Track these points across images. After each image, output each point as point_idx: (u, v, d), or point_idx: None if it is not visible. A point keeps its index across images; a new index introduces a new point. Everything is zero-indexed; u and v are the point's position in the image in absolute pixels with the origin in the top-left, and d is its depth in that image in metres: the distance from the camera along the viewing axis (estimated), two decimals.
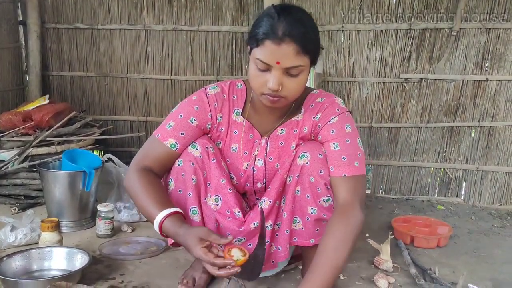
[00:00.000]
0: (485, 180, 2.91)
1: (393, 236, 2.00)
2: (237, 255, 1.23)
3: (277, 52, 1.29)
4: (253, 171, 1.57)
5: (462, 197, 2.96)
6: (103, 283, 1.64)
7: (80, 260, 1.65)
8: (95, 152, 2.78)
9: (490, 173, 2.90)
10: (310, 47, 1.33)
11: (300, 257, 1.70)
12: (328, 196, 1.45)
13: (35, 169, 2.42)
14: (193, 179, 1.48)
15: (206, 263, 1.24)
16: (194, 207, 1.51)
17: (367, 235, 2.11)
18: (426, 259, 1.99)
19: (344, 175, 1.40)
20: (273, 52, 1.29)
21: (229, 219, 1.51)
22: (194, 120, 1.49)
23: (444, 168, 2.98)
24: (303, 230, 1.52)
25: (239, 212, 1.51)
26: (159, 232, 1.36)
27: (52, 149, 2.59)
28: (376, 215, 2.59)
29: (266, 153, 1.55)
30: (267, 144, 1.55)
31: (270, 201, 1.50)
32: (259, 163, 1.56)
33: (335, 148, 1.43)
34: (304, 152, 1.46)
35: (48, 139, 2.61)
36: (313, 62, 1.39)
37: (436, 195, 3.01)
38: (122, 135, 3.20)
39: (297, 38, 1.29)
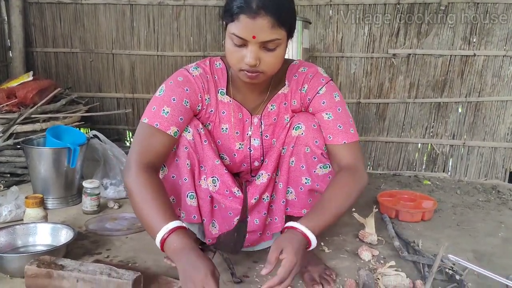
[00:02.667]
0: (471, 155, 2.94)
1: (377, 210, 2.02)
2: None
3: (253, 26, 1.25)
4: (250, 151, 1.56)
5: (449, 172, 3.00)
6: (89, 258, 1.64)
7: (65, 236, 1.65)
8: (81, 130, 2.76)
9: (476, 148, 2.93)
10: (286, 19, 1.30)
11: None
12: (325, 164, 1.47)
13: (20, 147, 2.39)
14: (187, 164, 1.46)
15: None
16: (191, 192, 1.49)
17: (353, 209, 2.13)
18: (410, 233, 2.01)
19: (344, 142, 1.43)
20: (248, 26, 1.26)
21: (230, 199, 1.51)
22: (187, 102, 1.42)
23: (431, 144, 3.01)
24: (295, 201, 1.54)
25: (238, 190, 1.51)
26: (160, 246, 1.22)
27: (37, 126, 2.56)
28: None
29: (261, 132, 1.54)
30: (261, 122, 1.54)
31: (268, 174, 1.51)
32: (256, 142, 1.55)
33: (328, 118, 1.45)
34: (298, 123, 1.47)
35: (33, 116, 2.58)
36: (290, 35, 1.36)
37: (423, 170, 3.04)
38: (108, 112, 3.17)
39: (272, 11, 1.25)
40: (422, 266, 1.60)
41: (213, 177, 1.49)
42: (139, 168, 1.32)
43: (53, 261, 1.32)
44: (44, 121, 2.60)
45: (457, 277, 1.50)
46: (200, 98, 1.46)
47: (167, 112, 1.38)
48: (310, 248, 1.26)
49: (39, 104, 2.61)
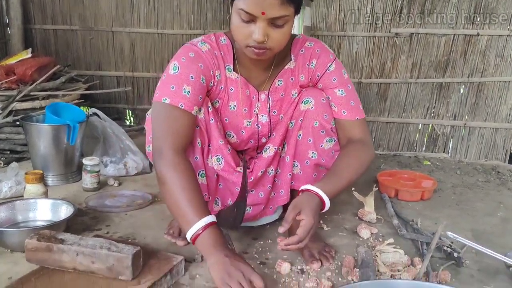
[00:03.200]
0: (472, 136, 2.93)
1: (377, 189, 2.02)
2: None
3: (262, 2, 1.23)
4: (258, 128, 1.56)
5: (449, 153, 2.99)
6: (88, 234, 1.65)
7: (65, 211, 1.65)
8: (81, 108, 2.74)
9: (477, 129, 2.92)
10: None
11: (287, 208, 1.72)
12: (332, 137, 1.50)
13: (19, 124, 2.39)
14: (198, 143, 1.45)
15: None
16: (202, 170, 1.49)
17: (353, 188, 2.13)
18: (409, 212, 2.02)
19: (357, 118, 1.49)
20: (257, 2, 1.23)
21: (236, 174, 1.51)
22: (204, 79, 1.40)
23: (432, 124, 2.99)
24: (300, 175, 1.56)
25: (241, 168, 1.52)
26: (190, 238, 1.25)
27: (36, 103, 2.54)
28: None
29: (269, 108, 1.54)
30: (269, 98, 1.53)
31: (275, 148, 1.53)
32: (263, 119, 1.55)
33: (341, 94, 1.48)
34: (308, 98, 1.48)
35: (32, 93, 2.56)
36: (297, 11, 1.35)
37: (423, 151, 3.03)
38: (108, 90, 3.15)
39: None
40: (420, 244, 1.61)
41: (217, 155, 1.49)
42: (174, 155, 1.31)
43: (53, 235, 1.32)
44: (43, 98, 2.59)
45: (455, 254, 1.51)
46: (212, 74, 1.43)
47: (188, 91, 1.36)
48: (323, 211, 1.33)
49: (38, 82, 2.59)
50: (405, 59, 2.91)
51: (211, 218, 1.26)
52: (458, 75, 2.87)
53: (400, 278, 1.37)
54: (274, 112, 1.54)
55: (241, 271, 1.18)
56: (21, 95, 2.50)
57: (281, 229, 1.23)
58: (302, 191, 1.33)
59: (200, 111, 1.42)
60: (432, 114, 2.97)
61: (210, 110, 1.46)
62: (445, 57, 2.86)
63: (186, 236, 1.26)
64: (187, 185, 1.28)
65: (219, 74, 1.46)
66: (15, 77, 2.59)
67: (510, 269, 1.33)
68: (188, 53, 1.40)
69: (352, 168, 1.41)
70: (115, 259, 1.22)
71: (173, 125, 1.34)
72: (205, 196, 1.49)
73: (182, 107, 1.34)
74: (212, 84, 1.45)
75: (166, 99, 1.34)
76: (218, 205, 1.55)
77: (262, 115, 1.54)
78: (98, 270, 1.24)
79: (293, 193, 1.59)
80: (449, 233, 1.41)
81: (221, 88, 1.49)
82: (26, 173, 1.79)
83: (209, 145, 1.49)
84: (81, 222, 1.76)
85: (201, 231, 1.23)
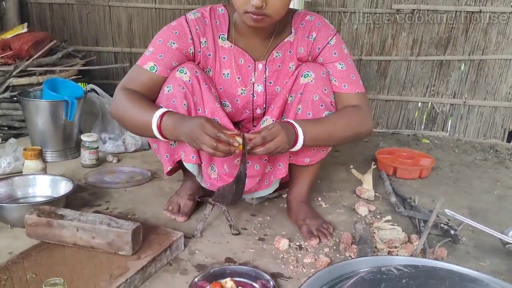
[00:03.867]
0: (471, 114, 2.93)
1: (375, 167, 2.03)
2: (239, 141, 1.26)
3: None
4: (253, 97, 1.56)
5: (448, 131, 2.99)
6: (88, 210, 1.66)
7: (64, 187, 1.65)
8: (79, 84, 2.72)
9: (477, 108, 2.91)
10: None
11: (286, 185, 1.73)
12: (331, 111, 1.49)
13: (16, 100, 2.37)
14: (184, 104, 1.45)
15: (209, 137, 1.23)
16: None
17: (351, 166, 2.14)
18: (408, 189, 2.03)
19: (357, 91, 1.50)
20: None
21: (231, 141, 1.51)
22: (174, 43, 1.45)
23: (431, 103, 2.98)
24: (299, 149, 1.54)
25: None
26: (158, 132, 1.34)
27: (33, 79, 2.52)
28: (361, 148, 2.61)
29: (265, 78, 1.54)
30: (265, 68, 1.53)
31: (273, 120, 1.52)
32: (259, 88, 1.55)
33: (342, 68, 1.49)
34: (308, 71, 1.47)
35: (29, 69, 2.53)
36: None
37: (422, 129, 3.03)
38: (106, 66, 3.12)
39: None
40: (417, 221, 1.63)
41: (214, 119, 1.48)
42: (120, 92, 1.43)
43: (53, 211, 1.33)
44: (40, 74, 2.56)
45: (452, 232, 1.52)
46: (191, 41, 1.47)
47: (150, 51, 1.46)
48: (294, 149, 1.37)
49: (35, 57, 2.56)
50: (405, 36, 2.88)
51: (164, 109, 1.36)
52: (459, 53, 2.84)
53: (397, 255, 1.38)
54: (270, 82, 1.55)
55: (203, 131, 1.24)
56: (18, 70, 2.48)
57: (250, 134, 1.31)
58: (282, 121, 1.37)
59: (183, 73, 1.44)
60: (432, 92, 2.96)
61: (202, 76, 1.47)
62: (446, 34, 2.83)
63: (155, 133, 1.35)
64: (134, 102, 1.39)
65: (205, 41, 1.49)
66: (11, 52, 2.55)
67: (506, 246, 1.35)
68: (172, 22, 1.51)
69: (337, 125, 1.43)
70: (115, 235, 1.23)
71: (127, 77, 1.48)
72: (194, 159, 1.51)
73: (138, 63, 1.47)
74: (192, 50, 1.49)
75: (138, 62, 1.49)
76: (214, 171, 1.54)
77: (257, 85, 1.55)
78: (98, 245, 1.25)
79: (291, 167, 1.60)
80: (446, 210, 1.42)
81: (209, 55, 1.51)
82: (24, 149, 1.78)
83: (198, 109, 1.48)
84: (81, 198, 1.77)
85: (159, 121, 1.33)
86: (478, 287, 0.75)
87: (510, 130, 2.88)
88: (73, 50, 2.91)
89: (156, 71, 1.45)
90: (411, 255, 1.37)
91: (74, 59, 2.87)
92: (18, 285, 1.09)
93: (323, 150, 1.56)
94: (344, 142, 1.50)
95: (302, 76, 1.47)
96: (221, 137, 1.23)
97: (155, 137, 1.38)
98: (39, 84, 2.46)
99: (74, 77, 2.72)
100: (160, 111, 1.34)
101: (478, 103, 2.90)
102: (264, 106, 1.58)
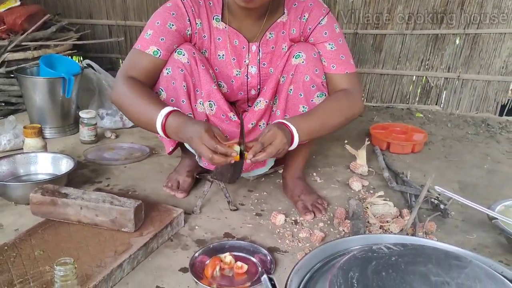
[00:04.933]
0: (464, 88, 2.96)
1: (369, 142, 2.07)
2: (237, 149, 1.27)
3: None
4: (247, 79, 1.57)
5: (441, 105, 3.03)
6: (89, 187, 1.70)
7: (65, 165, 1.69)
8: (73, 58, 2.71)
9: (470, 82, 2.94)
10: None
11: (281, 161, 1.77)
12: (322, 92, 1.50)
13: (12, 75, 2.37)
14: (184, 86, 1.47)
15: (207, 148, 1.23)
16: (189, 114, 1.51)
17: (345, 141, 2.18)
18: (400, 164, 2.08)
19: (347, 72, 1.49)
20: None
21: (227, 122, 1.54)
22: (173, 25, 1.45)
23: (425, 76, 3.01)
24: None
25: (234, 115, 1.54)
26: (161, 130, 1.32)
27: (28, 54, 2.51)
28: (355, 123, 2.62)
29: (259, 59, 1.55)
30: (259, 50, 1.54)
31: (266, 101, 1.54)
32: (253, 70, 1.56)
33: (331, 48, 1.49)
34: (299, 52, 1.48)
35: (23, 43, 2.52)
36: None
37: (416, 103, 3.06)
38: (100, 40, 3.10)
39: None
40: (409, 196, 1.68)
41: (209, 101, 1.51)
42: (122, 81, 1.40)
43: (56, 189, 1.37)
44: (35, 49, 2.55)
45: (442, 206, 1.58)
46: (189, 23, 1.47)
47: (149, 34, 1.45)
48: (291, 148, 1.35)
49: (29, 31, 2.54)
50: (401, 10, 2.87)
51: (170, 108, 1.32)
52: (454, 27, 2.85)
53: (389, 229, 1.45)
54: (264, 64, 1.56)
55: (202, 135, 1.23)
56: (13, 45, 2.46)
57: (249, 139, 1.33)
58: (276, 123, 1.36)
59: (182, 55, 1.45)
60: (426, 66, 2.98)
61: (198, 57, 1.48)
62: (442, 8, 2.83)
63: (158, 132, 1.33)
64: (139, 94, 1.37)
65: (200, 23, 1.49)
66: (5, 26, 2.53)
67: (492, 221, 1.41)
68: (167, 3, 1.49)
69: (329, 112, 1.42)
70: (118, 213, 1.28)
71: (128, 62, 1.45)
72: None
73: (139, 48, 1.44)
74: (190, 32, 1.49)
75: (136, 45, 1.46)
76: None
77: (251, 66, 1.56)
78: (101, 223, 1.30)
79: None
80: (436, 187, 1.48)
81: (205, 36, 1.51)
82: (24, 127, 1.81)
83: (196, 90, 1.50)
84: (82, 175, 1.80)
85: (165, 120, 1.30)
86: (462, 264, 0.80)
87: (502, 104, 2.92)
88: (67, 23, 2.89)
89: (159, 55, 1.44)
90: (401, 230, 1.43)
91: (68, 33, 2.85)
92: (27, 262, 1.14)
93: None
94: (337, 129, 1.48)
95: (293, 57, 1.48)
96: (218, 149, 1.22)
97: (158, 134, 1.36)
98: (35, 59, 2.46)
99: (69, 51, 2.71)
100: (165, 110, 1.31)
101: (472, 77, 2.93)
102: (259, 87, 1.60)
